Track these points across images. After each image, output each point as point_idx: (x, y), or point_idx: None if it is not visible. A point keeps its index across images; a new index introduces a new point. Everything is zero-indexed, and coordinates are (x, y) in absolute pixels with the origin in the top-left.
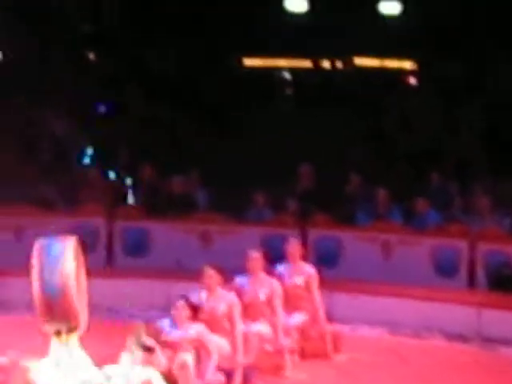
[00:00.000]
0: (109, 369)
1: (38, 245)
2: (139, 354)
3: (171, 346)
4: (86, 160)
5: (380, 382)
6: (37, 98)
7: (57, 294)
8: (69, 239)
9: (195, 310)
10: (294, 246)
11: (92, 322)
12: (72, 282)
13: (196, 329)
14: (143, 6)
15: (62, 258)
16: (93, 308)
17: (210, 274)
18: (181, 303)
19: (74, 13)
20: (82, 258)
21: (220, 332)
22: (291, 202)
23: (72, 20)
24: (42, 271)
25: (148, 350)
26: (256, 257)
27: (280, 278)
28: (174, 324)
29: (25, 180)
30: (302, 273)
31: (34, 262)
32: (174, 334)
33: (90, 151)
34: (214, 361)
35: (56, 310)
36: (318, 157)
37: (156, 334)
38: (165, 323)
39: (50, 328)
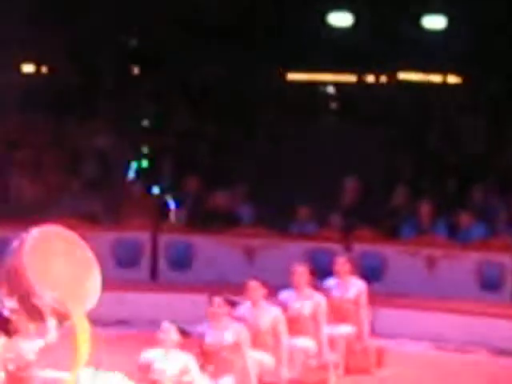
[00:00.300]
0: None
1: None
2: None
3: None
4: (131, 174)
5: None
6: (81, 112)
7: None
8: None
9: (233, 305)
10: (342, 261)
11: (136, 335)
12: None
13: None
14: (188, 21)
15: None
16: (137, 321)
17: (255, 287)
18: (219, 301)
19: (119, 27)
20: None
21: (263, 347)
22: (335, 217)
23: (117, 34)
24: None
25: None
26: (301, 271)
27: (326, 292)
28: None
29: (71, 194)
30: (351, 287)
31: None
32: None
33: (134, 166)
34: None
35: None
36: (363, 171)
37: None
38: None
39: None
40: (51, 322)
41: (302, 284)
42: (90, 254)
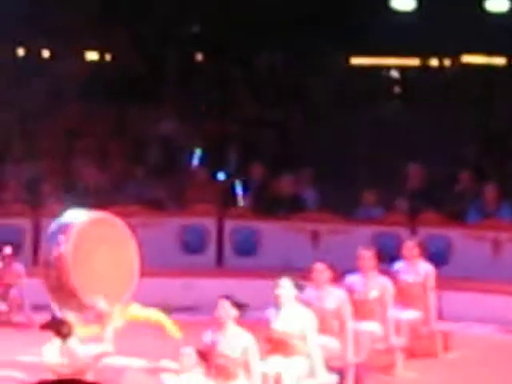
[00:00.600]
0: None
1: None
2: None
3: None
4: (195, 161)
5: (490, 380)
6: (146, 99)
7: (51, 258)
8: (93, 212)
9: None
10: (410, 245)
11: (202, 321)
12: (68, 248)
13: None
14: (250, 7)
15: (68, 225)
16: (203, 307)
17: (320, 269)
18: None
19: (182, 14)
20: (120, 239)
21: (328, 330)
22: (400, 201)
23: (180, 21)
24: (49, 237)
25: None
26: (368, 255)
27: (394, 276)
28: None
29: (135, 181)
30: (419, 271)
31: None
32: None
33: (198, 152)
34: None
35: (51, 274)
36: (427, 155)
37: None
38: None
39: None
40: (108, 333)
41: (369, 268)
42: (133, 249)
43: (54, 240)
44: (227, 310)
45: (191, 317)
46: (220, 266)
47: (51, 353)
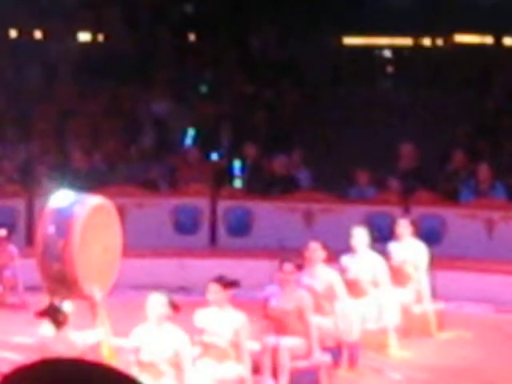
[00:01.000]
0: None
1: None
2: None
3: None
4: (188, 141)
5: (484, 360)
6: (138, 80)
7: (56, 250)
8: (92, 199)
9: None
10: (404, 223)
11: (195, 301)
12: (75, 241)
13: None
14: None
15: (70, 213)
16: (196, 287)
17: (314, 248)
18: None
19: None
20: (113, 225)
21: (321, 311)
22: (393, 181)
23: (173, 0)
24: (48, 222)
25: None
26: (361, 234)
27: (387, 255)
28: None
29: (129, 162)
30: (412, 250)
31: (43, 215)
32: (275, 303)
33: (191, 132)
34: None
35: (54, 265)
36: (420, 135)
37: None
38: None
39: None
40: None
41: (362, 247)
42: (119, 233)
43: (57, 231)
44: (216, 294)
45: (184, 297)
46: (213, 246)
47: (48, 340)
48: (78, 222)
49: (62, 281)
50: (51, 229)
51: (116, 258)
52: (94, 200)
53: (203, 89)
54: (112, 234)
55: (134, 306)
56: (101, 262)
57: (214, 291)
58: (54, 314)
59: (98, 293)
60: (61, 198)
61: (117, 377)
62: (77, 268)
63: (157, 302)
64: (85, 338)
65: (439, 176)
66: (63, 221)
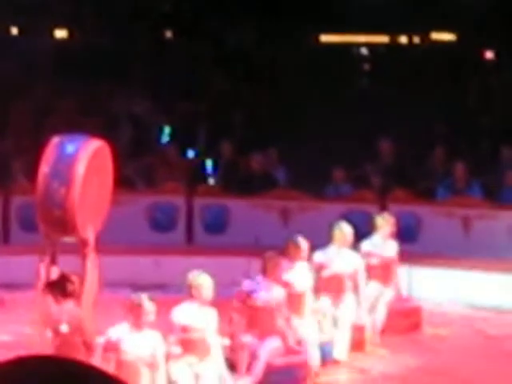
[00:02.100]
0: None
1: (54, 140)
2: None
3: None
4: (165, 139)
5: (461, 357)
6: (115, 77)
7: (57, 197)
8: (92, 143)
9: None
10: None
11: (171, 299)
12: (76, 189)
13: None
14: None
15: (72, 159)
16: (173, 285)
17: (296, 246)
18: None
19: None
20: (108, 167)
21: (298, 311)
22: (375, 178)
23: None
24: (49, 166)
25: None
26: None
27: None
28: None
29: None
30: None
31: (44, 156)
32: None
33: (168, 130)
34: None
35: (54, 212)
36: (397, 132)
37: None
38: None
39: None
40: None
41: (344, 243)
42: (110, 170)
43: (59, 178)
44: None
45: (161, 295)
46: (190, 243)
47: (53, 310)
48: (80, 169)
49: (60, 225)
50: (52, 175)
51: (107, 195)
52: (94, 144)
53: (180, 87)
54: (105, 173)
55: (110, 304)
56: (96, 202)
57: None
58: (63, 284)
59: (91, 233)
60: (61, 142)
61: (104, 378)
62: (77, 214)
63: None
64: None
65: (416, 174)
66: (65, 168)
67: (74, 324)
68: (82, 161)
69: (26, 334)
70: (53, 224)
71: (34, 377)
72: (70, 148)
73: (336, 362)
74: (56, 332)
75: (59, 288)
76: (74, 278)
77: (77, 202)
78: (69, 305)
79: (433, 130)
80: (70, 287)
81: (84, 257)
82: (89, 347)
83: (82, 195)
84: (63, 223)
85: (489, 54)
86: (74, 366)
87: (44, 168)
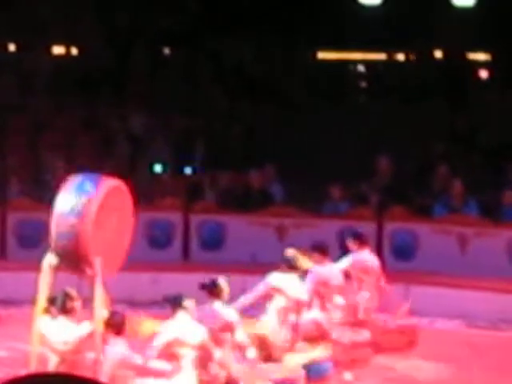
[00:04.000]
0: None
1: (74, 177)
2: None
3: None
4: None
5: (457, 374)
6: (112, 94)
7: (70, 230)
8: (109, 182)
9: None
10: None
11: (168, 316)
12: (88, 226)
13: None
14: (219, 1)
15: (87, 197)
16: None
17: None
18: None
19: (150, 8)
20: (126, 206)
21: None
22: (374, 195)
23: (148, 15)
24: (64, 202)
25: None
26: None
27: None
28: None
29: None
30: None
31: (62, 192)
32: None
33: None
34: None
35: (68, 245)
36: (394, 149)
37: None
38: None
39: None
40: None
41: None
42: (130, 213)
43: (74, 210)
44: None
45: (157, 311)
46: (186, 260)
47: (51, 331)
48: (94, 204)
49: (71, 256)
50: (66, 208)
51: (126, 237)
52: (111, 183)
53: (178, 103)
54: (123, 212)
55: None
56: (111, 240)
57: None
58: (64, 301)
59: (98, 265)
60: (84, 181)
61: None
62: (88, 248)
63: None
64: (81, 329)
65: (415, 191)
66: (81, 204)
67: (74, 341)
68: (97, 199)
69: (21, 350)
70: (64, 254)
71: None
72: (87, 186)
73: None
74: (54, 350)
75: (59, 304)
76: (75, 295)
77: (89, 235)
78: (66, 321)
79: (429, 146)
80: (69, 304)
81: (95, 290)
82: (95, 363)
83: (96, 229)
84: (73, 254)
85: (483, 72)
86: (72, 381)
87: (61, 203)
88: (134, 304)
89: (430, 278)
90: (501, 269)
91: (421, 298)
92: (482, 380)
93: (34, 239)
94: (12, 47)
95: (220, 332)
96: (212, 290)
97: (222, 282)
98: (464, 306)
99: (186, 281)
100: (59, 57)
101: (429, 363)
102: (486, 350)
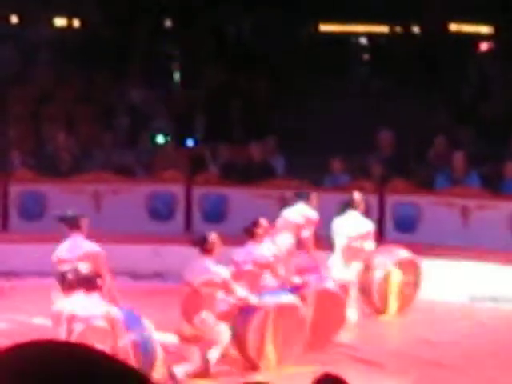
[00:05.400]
0: None
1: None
2: None
3: None
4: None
5: (458, 346)
6: (114, 66)
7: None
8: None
9: None
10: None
11: (170, 288)
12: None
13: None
14: None
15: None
16: (172, 273)
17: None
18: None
19: None
20: None
21: None
22: (377, 167)
23: None
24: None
25: None
26: None
27: None
28: None
29: (104, 148)
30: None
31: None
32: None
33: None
34: None
35: None
36: (397, 122)
37: None
38: None
39: None
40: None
41: None
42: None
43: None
44: None
45: (159, 283)
46: (188, 232)
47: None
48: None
49: None
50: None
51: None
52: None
53: (178, 76)
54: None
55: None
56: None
57: None
58: (92, 279)
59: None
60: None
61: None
62: None
63: None
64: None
65: (416, 164)
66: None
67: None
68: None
69: (22, 322)
70: None
71: (33, 362)
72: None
73: None
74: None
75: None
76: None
77: None
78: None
79: (433, 119)
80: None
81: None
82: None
83: None
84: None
85: (486, 44)
86: (77, 350)
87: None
88: (135, 276)
89: (432, 250)
90: (502, 241)
91: (424, 269)
92: (479, 351)
93: (36, 211)
94: (14, 19)
95: (204, 287)
96: (203, 246)
97: (213, 237)
98: (466, 277)
99: (189, 253)
100: (61, 29)
101: (427, 335)
102: (485, 321)
